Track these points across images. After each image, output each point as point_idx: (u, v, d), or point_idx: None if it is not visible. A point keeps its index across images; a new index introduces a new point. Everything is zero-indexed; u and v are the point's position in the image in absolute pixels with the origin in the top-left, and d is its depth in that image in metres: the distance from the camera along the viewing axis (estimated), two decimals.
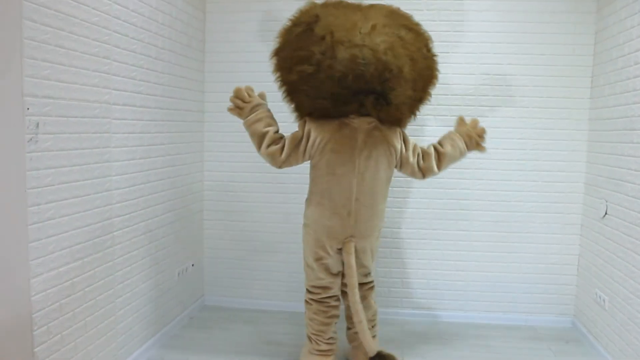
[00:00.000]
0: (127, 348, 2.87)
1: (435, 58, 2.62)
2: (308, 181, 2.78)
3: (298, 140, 2.64)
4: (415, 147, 2.73)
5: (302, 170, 3.70)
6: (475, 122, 2.83)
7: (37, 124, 2.08)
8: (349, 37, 2.33)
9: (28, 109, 2.02)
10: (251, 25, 3.67)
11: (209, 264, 3.92)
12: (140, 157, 2.92)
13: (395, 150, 2.64)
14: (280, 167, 2.71)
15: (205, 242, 3.90)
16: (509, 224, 3.61)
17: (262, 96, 2.73)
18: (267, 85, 3.68)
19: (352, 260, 2.65)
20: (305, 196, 2.86)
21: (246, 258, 3.88)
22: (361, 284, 2.80)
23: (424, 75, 2.54)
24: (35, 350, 2.13)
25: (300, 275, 3.82)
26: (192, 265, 3.70)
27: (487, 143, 3.51)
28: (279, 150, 2.63)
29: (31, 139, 2.05)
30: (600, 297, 3.17)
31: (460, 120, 2.86)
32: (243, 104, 2.67)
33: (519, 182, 3.57)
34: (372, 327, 2.89)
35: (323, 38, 2.37)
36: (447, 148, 2.73)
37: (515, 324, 3.64)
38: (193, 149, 3.62)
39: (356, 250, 2.68)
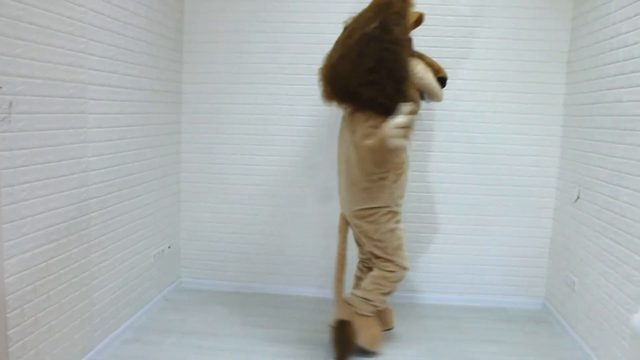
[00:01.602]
0: (103, 330, 2.86)
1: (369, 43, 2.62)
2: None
3: None
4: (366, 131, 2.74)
5: (278, 152, 3.70)
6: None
7: (10, 103, 2.03)
8: None
9: (1, 87, 1.98)
10: (230, 5, 3.63)
11: (186, 246, 3.91)
12: (117, 138, 2.88)
13: (353, 135, 2.75)
14: None
15: (182, 224, 3.88)
16: (483, 208, 3.67)
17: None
18: (246, 66, 3.66)
19: (338, 232, 3.08)
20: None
21: (223, 240, 3.87)
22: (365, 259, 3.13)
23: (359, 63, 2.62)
24: (9, 332, 2.11)
25: (276, 257, 3.84)
26: (169, 247, 3.68)
27: (463, 127, 3.57)
28: None
29: (4, 119, 2.01)
30: (570, 280, 3.25)
31: None
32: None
33: (493, 166, 3.62)
34: (369, 291, 2.95)
35: None
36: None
37: (488, 305, 3.72)
38: (170, 130, 3.58)
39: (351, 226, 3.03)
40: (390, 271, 2.92)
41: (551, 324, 3.43)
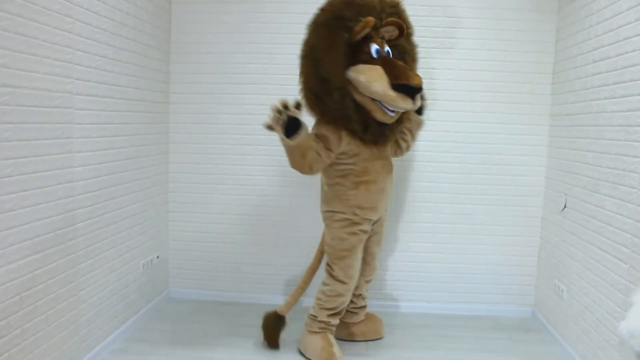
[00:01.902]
0: (90, 341, 2.84)
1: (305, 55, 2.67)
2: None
3: None
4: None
5: (267, 162, 3.71)
6: None
7: None
8: None
9: None
10: (218, 15, 3.64)
11: (174, 256, 3.89)
12: (104, 148, 2.87)
13: None
14: None
15: (171, 233, 3.87)
16: (471, 217, 3.68)
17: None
18: (235, 76, 3.67)
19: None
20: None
21: (212, 250, 3.86)
22: None
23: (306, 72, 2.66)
24: None
25: (265, 267, 3.83)
26: (157, 257, 3.66)
27: (451, 137, 3.59)
28: None
29: None
30: (559, 288, 3.26)
31: None
32: None
33: (481, 175, 3.64)
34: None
35: None
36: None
37: (478, 314, 3.73)
38: (158, 140, 3.58)
39: None
40: (326, 284, 2.94)
41: (540, 332, 3.44)
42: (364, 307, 3.26)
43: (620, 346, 2.50)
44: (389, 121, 2.69)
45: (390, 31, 2.70)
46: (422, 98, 2.99)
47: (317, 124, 2.78)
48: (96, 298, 2.87)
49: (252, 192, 3.76)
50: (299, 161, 2.64)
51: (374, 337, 3.24)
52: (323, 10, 2.62)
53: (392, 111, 2.64)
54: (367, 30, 2.55)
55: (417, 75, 2.58)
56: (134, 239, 3.28)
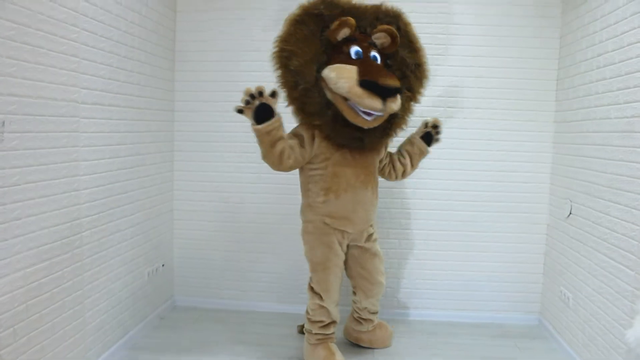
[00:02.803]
0: (96, 350, 2.84)
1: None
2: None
3: None
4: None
5: (271, 170, 3.71)
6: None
7: (3, 122, 2.04)
8: None
9: None
10: (222, 24, 3.66)
11: (179, 264, 3.90)
12: (109, 157, 2.88)
13: None
14: None
15: (176, 242, 3.87)
16: (476, 224, 3.67)
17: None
18: (239, 84, 3.68)
19: None
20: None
21: (216, 258, 3.86)
22: None
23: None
24: (1, 352, 2.09)
25: (269, 275, 3.83)
26: (163, 265, 3.67)
27: (456, 144, 3.58)
28: None
29: None
30: (565, 295, 3.25)
31: None
32: None
33: (486, 182, 3.63)
34: None
35: None
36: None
37: (484, 321, 3.71)
38: (163, 148, 3.59)
39: None
40: (309, 297, 2.92)
41: (546, 340, 3.42)
42: (370, 320, 3.19)
43: (627, 354, 2.48)
44: (364, 125, 2.57)
45: (381, 38, 2.63)
46: (437, 132, 3.06)
47: (297, 123, 2.75)
48: (102, 306, 2.87)
49: (257, 200, 3.77)
50: (268, 150, 2.58)
51: (380, 346, 3.23)
52: (300, 6, 2.58)
53: (367, 114, 2.52)
54: (344, 30, 2.53)
55: (392, 78, 2.50)
56: (139, 247, 3.29)
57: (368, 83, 2.43)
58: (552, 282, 3.49)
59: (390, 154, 3.04)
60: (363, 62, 2.54)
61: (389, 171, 3.03)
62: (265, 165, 3.72)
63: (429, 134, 3.05)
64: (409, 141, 3.04)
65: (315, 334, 2.92)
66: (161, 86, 3.50)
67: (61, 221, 2.46)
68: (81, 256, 2.64)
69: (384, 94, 2.46)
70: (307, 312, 2.94)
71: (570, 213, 3.22)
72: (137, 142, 3.19)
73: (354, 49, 2.56)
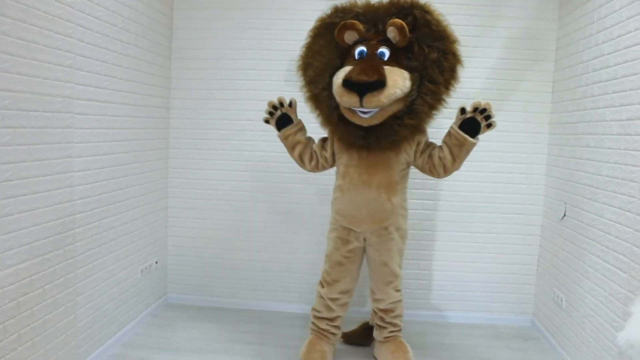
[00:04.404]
0: (88, 347, 2.83)
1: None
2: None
3: None
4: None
5: (266, 168, 3.71)
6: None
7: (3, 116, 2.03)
8: None
9: None
10: (219, 21, 3.65)
11: (173, 262, 3.89)
12: (104, 153, 2.87)
13: None
14: None
15: (170, 239, 3.86)
16: (471, 225, 3.68)
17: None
18: (235, 82, 3.68)
19: None
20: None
21: (210, 256, 3.85)
22: None
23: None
24: None
25: (263, 273, 3.82)
26: (156, 262, 3.66)
27: None
28: None
29: None
30: (558, 297, 3.25)
31: None
32: None
33: (480, 183, 3.64)
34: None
35: None
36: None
37: (476, 322, 3.71)
38: (158, 145, 3.58)
39: None
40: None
41: (539, 341, 3.43)
42: (381, 327, 3.01)
43: (619, 356, 2.49)
44: (363, 123, 2.53)
45: (391, 33, 2.50)
46: (486, 117, 2.64)
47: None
48: (94, 303, 2.87)
49: (251, 198, 3.76)
50: (290, 153, 2.93)
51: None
52: (318, 18, 2.72)
53: (363, 112, 2.48)
54: (349, 33, 2.56)
55: (371, 73, 2.41)
56: (132, 244, 3.28)
57: (345, 81, 2.43)
58: (546, 284, 3.49)
59: (431, 150, 2.79)
60: (359, 62, 2.51)
61: (430, 168, 2.79)
62: (260, 163, 3.75)
63: (474, 121, 2.66)
64: (448, 132, 2.74)
65: (311, 322, 3.01)
66: (157, 83, 3.49)
67: (54, 217, 2.45)
68: (74, 253, 2.63)
69: (360, 89, 2.40)
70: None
71: (565, 215, 3.22)
72: (132, 139, 3.18)
73: (358, 50, 2.57)
